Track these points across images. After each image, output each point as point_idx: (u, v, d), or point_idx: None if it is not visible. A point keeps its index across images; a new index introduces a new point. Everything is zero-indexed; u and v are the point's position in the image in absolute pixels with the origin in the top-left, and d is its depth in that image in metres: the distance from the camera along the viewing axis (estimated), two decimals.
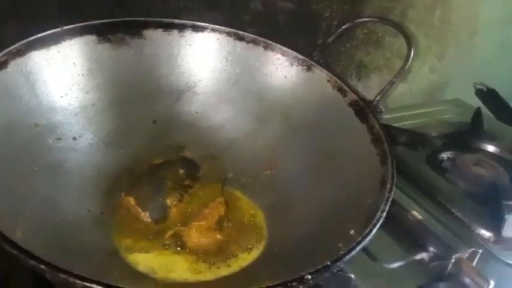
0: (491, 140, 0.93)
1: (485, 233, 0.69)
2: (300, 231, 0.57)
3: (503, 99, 1.03)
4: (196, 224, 0.57)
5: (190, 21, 0.70)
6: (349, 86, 0.66)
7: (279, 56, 0.71)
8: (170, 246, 0.55)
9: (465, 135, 0.94)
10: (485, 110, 1.00)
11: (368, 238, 0.46)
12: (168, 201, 0.61)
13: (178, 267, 0.53)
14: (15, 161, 0.52)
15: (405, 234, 0.66)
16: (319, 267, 0.41)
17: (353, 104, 0.64)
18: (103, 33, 0.65)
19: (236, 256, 0.56)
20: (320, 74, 0.69)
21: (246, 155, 0.69)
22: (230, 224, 0.60)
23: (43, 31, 0.59)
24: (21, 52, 0.57)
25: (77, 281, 0.35)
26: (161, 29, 0.69)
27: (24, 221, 0.47)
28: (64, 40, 0.61)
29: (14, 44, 0.56)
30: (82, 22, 0.63)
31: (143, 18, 0.68)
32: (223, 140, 0.71)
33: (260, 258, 0.56)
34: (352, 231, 0.48)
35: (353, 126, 0.63)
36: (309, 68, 0.69)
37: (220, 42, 0.71)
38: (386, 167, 0.56)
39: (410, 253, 0.64)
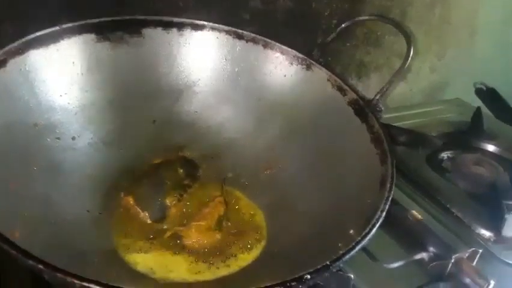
0: (491, 139, 0.93)
1: (485, 233, 0.69)
2: (300, 231, 0.57)
3: (503, 98, 1.03)
4: (195, 223, 0.57)
5: (189, 20, 0.70)
6: (349, 85, 0.66)
7: (278, 54, 0.71)
8: (169, 246, 0.55)
9: (465, 135, 0.94)
10: (485, 110, 1.00)
11: (367, 238, 0.45)
12: (167, 201, 0.60)
13: (177, 267, 0.53)
14: (14, 160, 0.52)
15: (405, 234, 0.66)
16: (318, 267, 0.41)
17: (353, 103, 0.64)
18: (102, 32, 0.65)
19: (235, 256, 0.56)
20: (320, 73, 0.68)
21: (245, 154, 0.69)
22: (229, 223, 0.59)
23: (42, 30, 0.59)
24: (20, 51, 0.57)
25: (75, 281, 0.35)
26: (161, 28, 0.69)
27: (23, 221, 0.47)
28: (63, 39, 0.61)
29: (12, 42, 0.56)
30: (81, 21, 0.63)
31: (142, 17, 0.68)
32: (222, 140, 0.70)
33: (259, 258, 0.56)
34: (352, 231, 0.48)
35: (352, 125, 0.63)
36: (308, 67, 0.69)
37: (220, 41, 0.71)
38: (385, 167, 0.55)
39: (409, 253, 0.63)
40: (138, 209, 0.58)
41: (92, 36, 0.64)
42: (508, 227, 0.68)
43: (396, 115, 0.99)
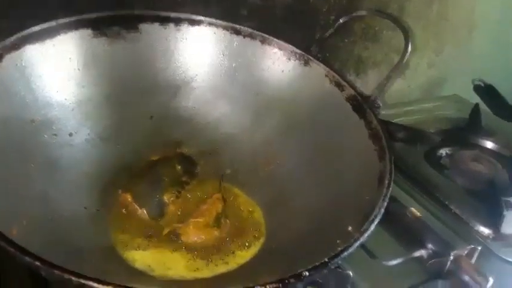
0: (490, 136, 0.93)
1: (484, 230, 0.69)
2: (298, 227, 0.57)
3: (501, 95, 1.03)
4: (193, 220, 0.57)
5: (186, 15, 0.69)
6: (347, 81, 0.66)
7: (276, 50, 0.70)
8: (167, 243, 0.55)
9: (463, 132, 0.94)
10: (483, 106, 1.00)
11: (365, 234, 0.45)
12: (165, 198, 0.60)
13: (175, 265, 0.52)
14: (10, 157, 0.52)
15: (403, 231, 0.66)
16: (316, 263, 0.41)
17: (351, 99, 0.64)
18: (99, 27, 0.64)
19: (234, 253, 0.55)
20: (318, 69, 0.68)
21: (243, 150, 0.69)
22: (228, 220, 0.59)
23: (38, 25, 0.58)
24: (16, 46, 0.56)
25: (73, 278, 0.35)
26: (158, 23, 0.68)
27: (20, 218, 0.46)
28: (59, 34, 0.60)
29: (8, 37, 0.55)
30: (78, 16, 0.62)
31: (139, 12, 0.67)
32: (220, 136, 0.70)
33: (258, 255, 0.56)
34: (350, 228, 0.48)
35: (350, 121, 0.63)
36: (306, 63, 0.69)
37: (217, 36, 0.71)
38: (384, 163, 0.55)
39: (408, 250, 0.64)
40: (136, 205, 0.58)
41: (89, 31, 0.63)
42: (506, 224, 0.68)
43: (395, 112, 0.99)
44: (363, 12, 0.85)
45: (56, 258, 0.37)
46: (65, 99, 0.61)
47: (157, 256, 0.53)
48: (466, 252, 0.61)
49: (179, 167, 0.64)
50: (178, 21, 0.69)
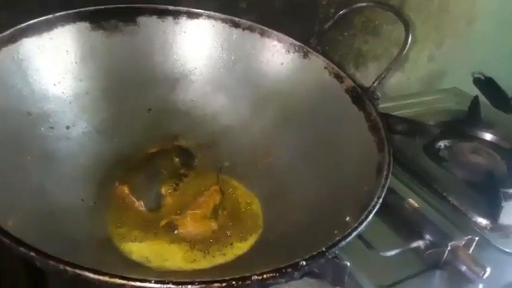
0: (489, 128, 0.93)
1: (482, 221, 0.69)
2: (296, 219, 0.57)
3: (500, 87, 1.02)
4: (191, 212, 0.57)
5: (185, 8, 0.69)
6: (346, 73, 0.66)
7: (275, 42, 0.70)
8: (165, 235, 0.55)
9: (462, 124, 0.94)
10: (482, 99, 1.00)
11: (363, 224, 0.45)
12: (163, 190, 0.60)
13: (172, 256, 0.52)
14: (7, 149, 0.52)
15: (401, 222, 0.66)
16: (314, 253, 0.41)
17: (350, 91, 0.64)
18: (97, 20, 0.64)
19: (231, 244, 0.55)
20: (317, 61, 0.68)
21: (242, 143, 0.69)
22: (225, 212, 0.59)
23: (36, 18, 0.58)
24: (12, 39, 0.56)
25: (68, 268, 0.35)
26: (156, 16, 0.68)
27: (16, 210, 0.46)
28: (57, 27, 0.60)
29: (5, 30, 0.55)
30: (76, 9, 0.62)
31: (137, 5, 0.67)
32: (218, 129, 0.70)
33: (256, 246, 0.56)
34: (348, 218, 0.48)
35: (349, 113, 0.62)
36: (305, 55, 0.69)
37: (216, 29, 0.70)
38: (382, 154, 0.55)
39: (406, 241, 0.64)
40: (133, 198, 0.58)
41: (86, 24, 0.63)
42: (504, 215, 0.68)
43: (394, 104, 0.99)
44: (363, 4, 0.85)
45: (53, 250, 0.37)
46: (62, 92, 0.61)
47: (154, 248, 0.53)
48: (463, 242, 0.61)
49: (177, 160, 0.64)
50: (176, 14, 0.69)
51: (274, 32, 0.70)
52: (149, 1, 0.68)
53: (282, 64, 0.70)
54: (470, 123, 0.93)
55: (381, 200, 0.49)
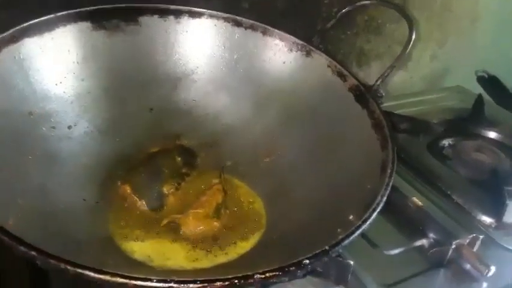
0: (493, 126, 0.92)
1: (486, 219, 0.69)
2: (299, 218, 0.57)
3: (504, 85, 1.02)
4: (193, 211, 0.56)
5: (186, 7, 0.69)
6: (349, 71, 0.65)
7: (277, 41, 0.70)
8: (167, 234, 0.54)
9: (466, 122, 0.93)
10: (486, 97, 1.00)
11: (367, 223, 0.45)
12: (165, 190, 0.60)
13: (175, 255, 0.52)
14: (8, 149, 0.52)
15: (405, 220, 0.66)
16: (317, 251, 0.41)
17: (353, 89, 0.64)
18: (98, 19, 0.64)
19: (234, 243, 0.55)
20: (320, 59, 0.68)
21: (244, 142, 0.68)
22: (228, 211, 0.59)
23: (37, 17, 0.58)
24: (14, 39, 0.56)
25: (69, 267, 0.35)
26: (157, 16, 0.68)
27: (17, 210, 0.46)
28: (58, 27, 0.61)
29: (6, 30, 0.55)
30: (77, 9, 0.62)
31: (138, 5, 0.67)
32: (221, 128, 0.70)
33: (258, 245, 0.56)
34: (351, 217, 0.47)
35: (353, 111, 0.62)
36: (308, 53, 0.68)
37: (218, 29, 0.70)
38: (386, 152, 0.55)
39: (410, 239, 0.63)
40: (135, 197, 0.58)
41: (88, 24, 0.63)
42: (509, 213, 0.68)
43: (397, 103, 0.99)
44: (366, 2, 0.85)
45: (54, 249, 0.36)
46: (64, 92, 0.61)
47: (156, 247, 0.53)
48: (467, 241, 0.61)
49: (179, 159, 0.64)
50: (178, 14, 0.69)
51: (277, 30, 0.70)
52: (151, 0, 0.68)
53: (284, 63, 0.70)
54: (474, 121, 0.93)
55: (385, 198, 0.48)
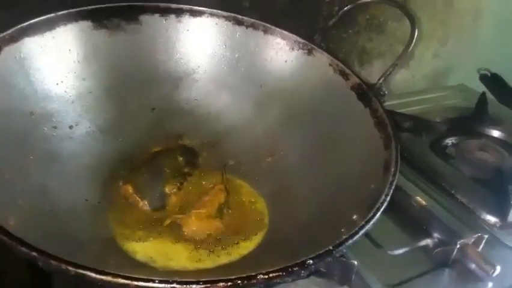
0: (496, 125, 0.92)
1: (491, 219, 0.68)
2: (302, 217, 0.56)
3: (507, 84, 1.02)
4: (195, 211, 0.56)
5: (187, 6, 0.69)
6: (351, 69, 0.65)
7: (279, 40, 0.70)
8: (169, 234, 0.54)
9: (469, 121, 0.93)
10: (489, 95, 0.99)
11: (371, 222, 0.44)
12: (167, 189, 0.60)
13: (177, 256, 0.52)
14: (9, 149, 0.51)
15: (409, 220, 0.66)
16: (321, 251, 0.40)
17: (356, 88, 0.63)
18: (99, 19, 0.64)
19: (237, 244, 0.55)
20: (321, 58, 0.67)
21: (246, 142, 0.68)
22: (230, 211, 0.59)
23: (37, 17, 0.58)
24: (14, 38, 0.56)
25: (70, 268, 0.34)
26: (158, 14, 0.68)
27: (18, 210, 0.46)
28: (59, 26, 0.60)
29: (7, 30, 0.55)
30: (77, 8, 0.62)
31: (139, 3, 0.67)
32: (222, 127, 0.70)
33: (261, 245, 0.55)
34: (355, 216, 0.47)
35: (355, 110, 0.62)
36: (310, 52, 0.68)
37: (219, 27, 0.70)
38: (389, 151, 0.54)
39: (414, 239, 0.63)
40: (137, 197, 0.57)
41: (89, 23, 0.63)
42: None
43: (400, 101, 0.99)
44: (368, 0, 0.84)
45: (55, 250, 0.36)
46: (65, 91, 0.61)
47: (158, 247, 0.52)
48: (472, 240, 0.60)
49: (181, 159, 0.63)
50: (179, 12, 0.69)
51: (278, 29, 0.70)
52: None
53: (286, 62, 0.70)
54: (478, 120, 0.92)
55: (389, 198, 0.48)
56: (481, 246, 0.61)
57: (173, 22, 0.69)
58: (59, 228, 0.49)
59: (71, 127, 0.61)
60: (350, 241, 0.42)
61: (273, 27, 0.70)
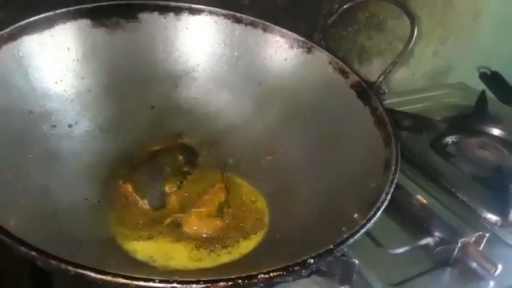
0: (496, 123, 0.92)
1: (492, 217, 0.68)
2: (303, 216, 0.56)
3: (507, 82, 1.01)
4: (195, 210, 0.56)
5: (186, 4, 0.69)
6: (351, 68, 0.65)
7: (278, 38, 0.69)
8: (169, 233, 0.54)
9: (469, 119, 0.93)
10: (489, 93, 0.99)
11: (372, 221, 0.44)
12: (167, 188, 0.59)
13: (177, 255, 0.52)
14: (8, 148, 0.51)
15: (410, 219, 0.65)
16: (321, 251, 0.40)
17: (355, 86, 0.63)
18: (98, 17, 0.63)
19: (237, 243, 0.54)
20: (321, 56, 0.67)
21: (245, 140, 0.68)
22: (231, 210, 0.58)
23: (36, 15, 0.58)
24: (13, 37, 0.55)
25: (70, 268, 0.34)
26: (157, 12, 0.67)
27: (18, 210, 0.46)
28: (57, 24, 0.60)
29: (3, 27, 0.55)
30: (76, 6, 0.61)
31: (138, 1, 0.67)
32: (222, 126, 0.69)
33: (261, 244, 0.55)
34: (356, 215, 0.47)
35: (355, 108, 0.62)
36: (309, 50, 0.68)
37: (218, 25, 0.70)
38: (389, 149, 0.54)
39: (415, 238, 0.63)
40: (137, 196, 0.57)
41: (88, 21, 0.63)
42: None
43: (400, 100, 0.99)
44: None
45: (55, 249, 0.36)
46: (64, 90, 0.61)
47: (158, 247, 0.52)
48: (473, 239, 0.60)
49: (180, 157, 0.63)
50: (178, 11, 0.69)
51: (277, 27, 0.70)
52: None
53: (285, 60, 0.70)
54: (478, 118, 0.92)
55: (389, 196, 0.48)
56: (482, 245, 0.61)
57: (173, 20, 0.68)
58: (59, 228, 0.49)
59: (70, 126, 0.60)
60: (351, 240, 0.42)
61: (272, 25, 0.70)
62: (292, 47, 0.69)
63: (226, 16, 0.70)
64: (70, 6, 0.61)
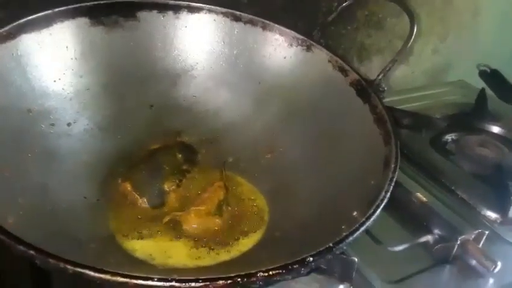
0: (496, 120, 0.92)
1: (491, 215, 0.68)
2: (302, 214, 0.56)
3: (507, 80, 1.01)
4: (194, 208, 0.56)
5: (185, 2, 0.68)
6: (350, 66, 0.65)
7: (277, 36, 0.69)
8: (168, 231, 0.54)
9: (469, 117, 0.93)
10: (489, 91, 0.99)
11: (371, 219, 0.44)
12: (166, 187, 0.59)
13: (176, 253, 0.51)
14: (7, 147, 0.51)
15: (409, 216, 0.65)
16: (321, 249, 0.40)
17: (355, 84, 0.63)
18: (96, 15, 0.63)
19: (236, 241, 0.54)
20: (320, 54, 0.67)
21: (245, 138, 0.68)
22: (230, 208, 0.58)
23: (34, 13, 0.58)
24: (11, 35, 0.55)
25: (68, 267, 0.34)
26: (156, 11, 0.67)
27: (16, 208, 0.46)
28: (56, 23, 0.60)
29: (3, 26, 0.54)
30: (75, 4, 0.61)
31: (137, 0, 0.66)
32: (221, 124, 0.69)
33: (261, 242, 0.55)
34: (355, 213, 0.47)
35: (354, 106, 0.61)
36: (308, 48, 0.68)
37: (217, 24, 0.70)
38: (389, 147, 0.54)
39: (414, 236, 0.63)
40: (136, 195, 0.57)
41: (86, 20, 0.63)
42: None
43: (399, 98, 0.98)
44: None
45: (55, 248, 0.36)
46: (63, 88, 0.61)
47: (158, 245, 0.52)
48: (473, 236, 0.60)
49: (179, 156, 0.63)
50: (177, 9, 0.69)
51: (276, 25, 0.70)
52: None
53: (284, 58, 0.69)
54: (477, 116, 0.92)
55: (389, 194, 0.48)
56: (482, 243, 0.61)
57: (171, 18, 0.68)
58: (58, 227, 0.49)
59: (69, 124, 0.60)
60: (350, 238, 0.42)
61: (271, 23, 0.70)
62: (291, 45, 0.69)
63: (225, 14, 0.70)
64: (69, 4, 0.61)
